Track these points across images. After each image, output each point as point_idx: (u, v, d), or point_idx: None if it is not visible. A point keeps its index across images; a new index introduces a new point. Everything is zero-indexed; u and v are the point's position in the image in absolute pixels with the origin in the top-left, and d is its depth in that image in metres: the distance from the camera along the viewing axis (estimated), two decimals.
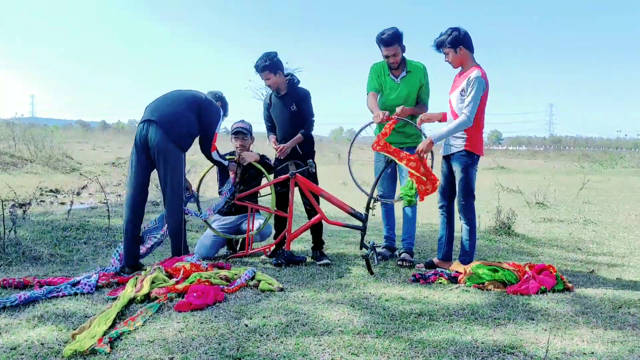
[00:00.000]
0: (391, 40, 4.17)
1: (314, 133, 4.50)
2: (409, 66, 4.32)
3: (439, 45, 3.92)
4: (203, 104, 3.93)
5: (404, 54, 4.29)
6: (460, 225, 4.07)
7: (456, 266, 3.84)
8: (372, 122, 4.30)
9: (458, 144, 3.91)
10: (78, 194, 9.80)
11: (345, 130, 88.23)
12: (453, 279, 3.65)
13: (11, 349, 2.32)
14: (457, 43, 3.85)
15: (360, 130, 4.37)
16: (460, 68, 3.96)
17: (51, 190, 9.77)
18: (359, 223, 4.14)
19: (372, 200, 4.09)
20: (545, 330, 2.71)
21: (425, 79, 4.34)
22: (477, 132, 3.94)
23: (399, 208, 4.52)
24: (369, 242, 4.05)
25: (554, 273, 3.57)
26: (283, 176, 4.28)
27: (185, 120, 3.83)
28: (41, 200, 8.53)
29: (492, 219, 6.04)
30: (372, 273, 3.83)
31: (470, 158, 3.90)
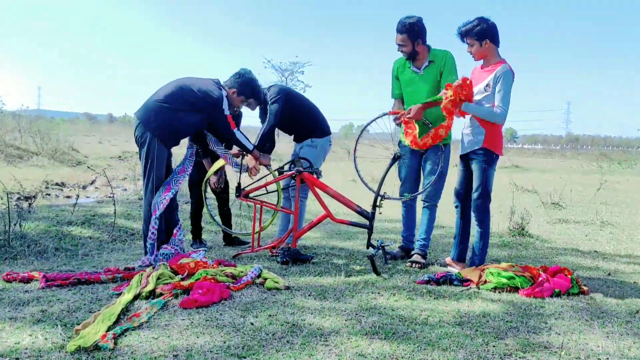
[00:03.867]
0: (401, 29, 4.07)
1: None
2: (432, 55, 4.17)
3: (464, 35, 3.81)
4: (198, 104, 3.87)
5: (428, 44, 4.17)
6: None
7: (468, 272, 3.74)
8: (380, 117, 4.24)
9: (476, 141, 3.83)
10: (84, 187, 9.87)
11: (356, 126, 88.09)
12: (462, 282, 3.62)
13: (15, 344, 2.35)
14: (484, 36, 3.75)
15: (367, 125, 4.27)
16: (481, 61, 3.90)
17: (57, 184, 9.85)
18: (366, 221, 4.13)
19: (379, 198, 4.07)
20: (559, 334, 2.69)
21: (445, 66, 4.12)
22: (497, 129, 3.85)
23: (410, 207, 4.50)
24: (378, 241, 4.03)
25: (569, 276, 3.54)
26: (288, 173, 4.29)
27: (165, 111, 3.80)
28: (47, 194, 8.60)
29: (506, 219, 6.00)
30: (377, 274, 3.82)
31: (488, 157, 3.83)
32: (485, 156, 3.83)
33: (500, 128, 3.88)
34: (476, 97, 3.84)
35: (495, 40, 3.80)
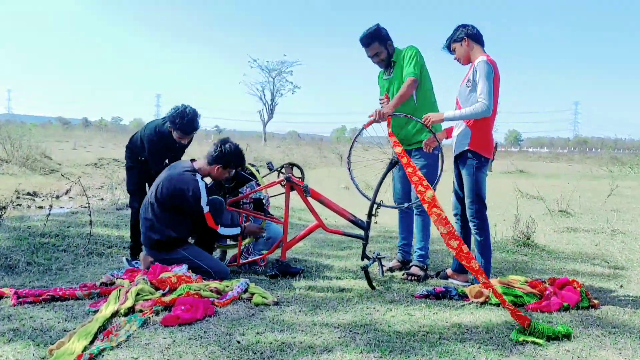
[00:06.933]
0: (368, 40, 4.21)
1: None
2: (395, 56, 4.31)
3: (449, 45, 4.01)
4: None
5: (394, 46, 4.30)
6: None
7: (471, 290, 3.70)
8: (359, 134, 4.27)
9: (463, 143, 3.90)
10: (57, 197, 9.84)
11: (349, 129, 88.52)
12: (462, 297, 3.62)
13: None
14: (461, 36, 3.93)
15: (363, 129, 4.32)
16: (469, 65, 3.97)
17: (28, 193, 9.82)
18: (361, 231, 4.13)
19: (375, 207, 4.07)
20: (568, 351, 2.71)
21: (402, 55, 4.24)
22: (484, 130, 3.89)
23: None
24: (373, 253, 4.03)
25: (578, 288, 3.56)
26: (277, 180, 4.29)
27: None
28: (18, 204, 8.57)
29: (510, 228, 6.03)
30: (372, 287, 3.82)
31: (476, 160, 3.87)
32: (473, 159, 3.87)
33: (488, 129, 3.92)
34: (461, 95, 3.94)
35: (476, 39, 3.94)
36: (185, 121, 4.31)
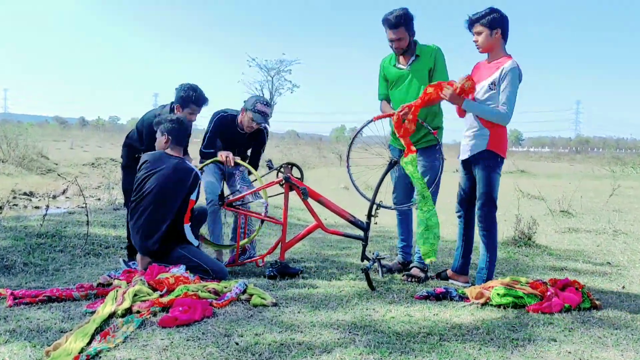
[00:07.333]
0: (397, 22, 4.02)
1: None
2: (418, 50, 4.16)
3: (474, 22, 3.80)
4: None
5: (414, 39, 4.17)
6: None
7: (473, 292, 3.67)
8: (366, 125, 4.22)
9: (479, 144, 3.84)
10: (54, 197, 9.85)
11: (348, 129, 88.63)
12: (463, 298, 3.62)
13: None
14: (496, 25, 3.75)
15: (362, 128, 4.28)
16: (486, 56, 3.89)
17: (25, 193, 9.82)
18: (360, 232, 4.13)
19: (375, 207, 4.07)
20: (570, 353, 2.71)
21: (436, 61, 4.13)
22: (502, 131, 3.85)
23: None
24: (373, 253, 4.03)
25: (580, 289, 3.56)
26: (275, 180, 4.29)
27: None
28: (14, 204, 8.57)
29: (511, 228, 6.03)
30: (372, 288, 3.82)
31: (493, 160, 3.83)
32: (490, 159, 3.83)
33: (504, 129, 3.89)
34: (478, 96, 3.84)
35: (505, 34, 3.81)
36: (198, 92, 4.35)
